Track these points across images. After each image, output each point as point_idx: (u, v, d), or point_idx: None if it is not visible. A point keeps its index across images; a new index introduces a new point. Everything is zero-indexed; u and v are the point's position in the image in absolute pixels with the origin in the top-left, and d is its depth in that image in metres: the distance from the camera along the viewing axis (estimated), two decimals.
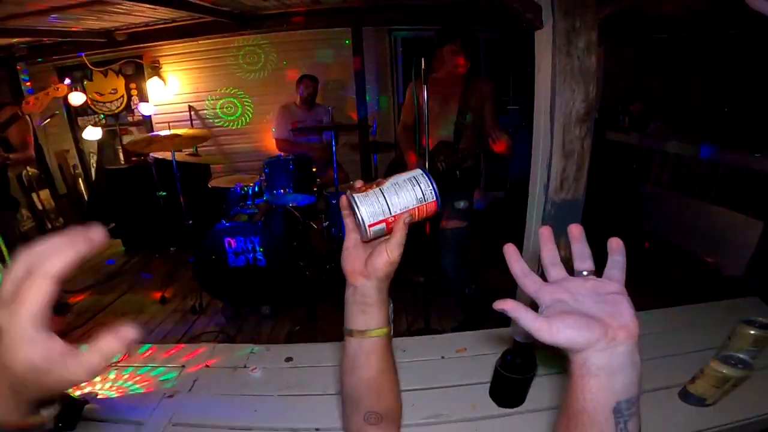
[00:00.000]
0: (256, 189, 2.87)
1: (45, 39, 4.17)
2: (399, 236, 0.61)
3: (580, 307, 0.50)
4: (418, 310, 2.65)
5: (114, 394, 1.08)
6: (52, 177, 4.90)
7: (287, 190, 2.81)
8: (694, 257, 3.50)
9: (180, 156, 3.21)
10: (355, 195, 0.59)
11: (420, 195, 0.60)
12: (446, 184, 2.37)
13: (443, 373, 1.10)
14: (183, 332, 2.77)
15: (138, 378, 1.14)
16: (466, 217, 2.43)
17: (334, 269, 2.93)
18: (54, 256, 0.35)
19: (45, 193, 4.39)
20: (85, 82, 4.76)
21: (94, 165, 4.98)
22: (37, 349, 0.34)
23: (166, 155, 2.99)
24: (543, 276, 0.56)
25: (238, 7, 3.95)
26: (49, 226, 4.33)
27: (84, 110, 4.86)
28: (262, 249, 2.64)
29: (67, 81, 2.58)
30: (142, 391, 1.09)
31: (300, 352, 1.21)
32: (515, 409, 0.98)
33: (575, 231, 0.56)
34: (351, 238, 0.65)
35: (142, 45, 4.51)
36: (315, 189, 2.95)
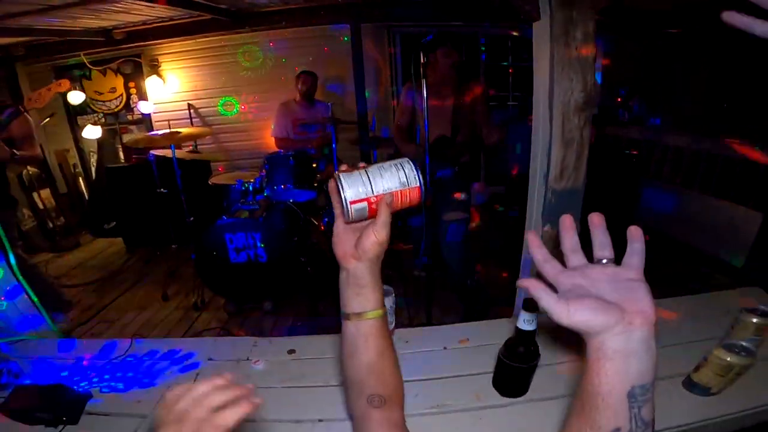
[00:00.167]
0: (257, 185, 2.86)
1: (43, 38, 4.17)
2: (384, 217, 0.63)
3: (599, 293, 0.51)
4: (420, 305, 2.65)
5: (117, 387, 1.08)
6: (53, 176, 4.90)
7: (287, 185, 2.81)
8: (695, 249, 3.51)
9: (180, 153, 3.22)
10: (341, 174, 0.62)
11: (403, 179, 0.63)
12: (445, 177, 2.47)
13: (446, 364, 1.10)
14: (185, 329, 2.77)
15: (141, 371, 1.14)
16: (466, 209, 2.51)
17: (336, 264, 2.91)
18: (230, 411, 0.50)
19: (46, 192, 4.39)
20: (83, 82, 4.75)
21: (95, 164, 4.98)
22: None
23: (167, 153, 2.99)
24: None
25: (236, 5, 3.93)
26: (50, 225, 4.33)
27: (83, 109, 4.86)
28: (263, 245, 2.64)
29: (66, 79, 2.58)
30: (145, 384, 1.09)
31: (302, 344, 1.21)
32: (519, 399, 0.98)
33: (596, 219, 0.56)
34: (339, 224, 0.68)
35: (140, 44, 4.49)
36: (315, 184, 2.96)
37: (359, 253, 0.65)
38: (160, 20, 4.16)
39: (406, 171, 0.63)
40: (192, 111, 4.83)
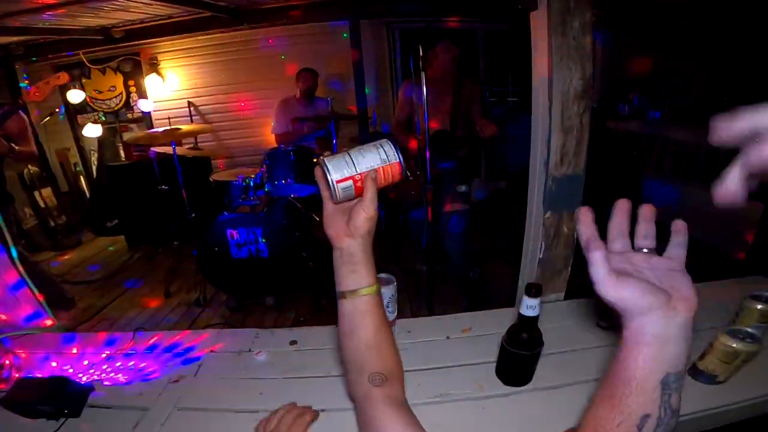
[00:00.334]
0: (258, 181, 2.86)
1: (42, 37, 4.17)
2: (370, 192, 0.66)
3: (643, 277, 0.51)
4: (422, 298, 2.65)
5: (119, 380, 1.08)
6: (54, 175, 4.91)
7: (288, 180, 2.81)
8: (697, 241, 3.49)
9: (181, 150, 3.21)
10: (325, 158, 0.66)
11: (384, 156, 0.67)
12: (446, 170, 2.49)
13: (449, 353, 1.10)
14: (188, 325, 2.78)
15: (143, 364, 1.14)
16: (467, 201, 2.53)
17: None
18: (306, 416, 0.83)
19: (47, 191, 4.40)
20: (83, 80, 4.75)
21: (95, 162, 4.98)
22: None
23: (167, 150, 3.00)
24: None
25: (235, 2, 3.93)
26: (52, 223, 4.34)
27: (83, 108, 4.86)
28: (264, 240, 2.63)
29: (64, 72, 2.60)
30: (147, 377, 1.09)
31: (304, 335, 1.21)
32: (522, 388, 0.97)
33: (647, 211, 0.57)
34: (329, 206, 0.71)
35: (139, 42, 4.50)
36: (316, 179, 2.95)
37: (351, 230, 0.68)
38: (159, 18, 4.16)
39: (386, 149, 0.67)
40: (192, 108, 4.83)
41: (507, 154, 5.07)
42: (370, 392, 0.69)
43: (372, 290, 0.71)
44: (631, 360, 0.50)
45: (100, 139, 4.81)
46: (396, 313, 1.16)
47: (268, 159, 2.87)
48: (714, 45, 4.24)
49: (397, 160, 0.68)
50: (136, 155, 4.30)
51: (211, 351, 1.17)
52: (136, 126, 4.94)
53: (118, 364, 1.15)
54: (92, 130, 4.56)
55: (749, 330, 0.90)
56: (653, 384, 0.49)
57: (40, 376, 1.09)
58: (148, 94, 4.77)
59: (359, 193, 0.67)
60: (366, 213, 0.67)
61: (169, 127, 2.94)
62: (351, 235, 0.69)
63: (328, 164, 0.65)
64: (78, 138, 4.99)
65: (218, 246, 2.67)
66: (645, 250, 0.55)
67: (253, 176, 2.88)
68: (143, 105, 4.70)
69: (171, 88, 4.80)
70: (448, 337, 1.17)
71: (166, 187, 3.22)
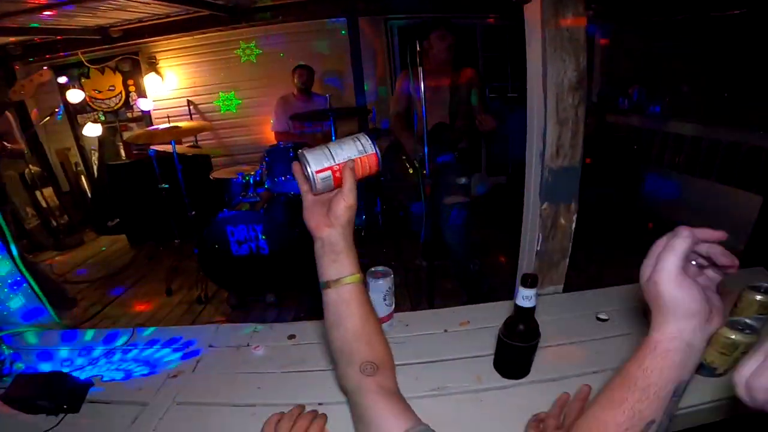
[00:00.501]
0: (258, 178, 2.86)
1: (40, 37, 4.17)
2: (349, 182, 0.68)
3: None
4: (422, 294, 2.65)
5: (118, 376, 1.09)
6: (55, 175, 4.93)
7: (288, 177, 2.81)
8: None
9: (181, 148, 3.22)
10: (303, 151, 0.69)
11: (360, 148, 0.70)
12: (445, 162, 2.47)
13: (447, 346, 1.10)
14: (189, 323, 2.78)
15: (142, 360, 1.14)
16: (467, 193, 2.51)
17: None
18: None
19: (48, 191, 4.40)
20: (82, 80, 4.75)
21: (96, 162, 4.99)
22: None
23: (167, 148, 3.00)
24: None
25: (233, 0, 3.92)
26: (54, 223, 4.35)
27: (83, 108, 4.86)
28: (264, 237, 2.64)
29: (46, 68, 2.66)
30: (146, 372, 1.09)
31: (302, 329, 1.21)
32: (521, 380, 0.97)
33: (717, 235, 0.55)
34: (308, 199, 0.73)
35: (137, 41, 4.50)
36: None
37: (331, 220, 0.70)
38: (157, 17, 4.16)
39: (363, 141, 0.70)
40: (191, 107, 4.83)
41: (507, 150, 5.06)
42: (362, 383, 0.69)
43: (355, 278, 0.72)
44: (656, 367, 0.50)
45: (100, 139, 4.81)
46: (393, 307, 1.16)
47: (268, 156, 2.87)
48: (714, 39, 4.22)
49: (374, 151, 0.70)
50: (135, 153, 4.31)
51: (210, 346, 1.17)
52: (136, 125, 4.94)
53: (118, 359, 1.15)
54: (92, 130, 4.56)
55: (748, 321, 0.89)
56: (668, 391, 0.49)
57: (39, 371, 1.10)
58: (148, 93, 4.77)
59: (338, 184, 0.69)
60: (346, 202, 0.69)
61: (168, 125, 2.94)
62: (331, 225, 0.70)
63: (307, 156, 0.68)
64: (78, 138, 4.99)
65: (219, 243, 2.68)
66: (693, 263, 0.56)
67: (252, 173, 2.88)
68: (143, 104, 4.71)
69: (170, 86, 4.80)
70: (446, 331, 1.16)
71: (167, 186, 3.23)
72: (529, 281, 0.84)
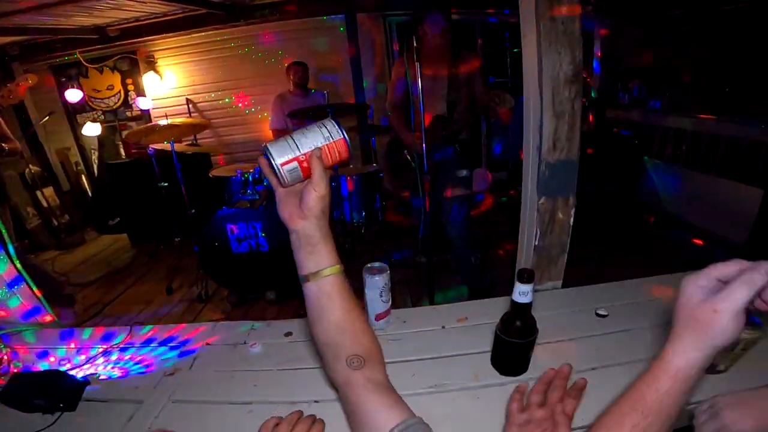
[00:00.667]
0: (257, 175, 2.85)
1: (37, 37, 4.16)
2: (318, 171, 0.65)
3: None
4: (422, 290, 2.64)
5: (115, 374, 1.08)
6: (55, 174, 4.93)
7: None
8: (697, 229, 3.49)
9: (180, 147, 3.21)
10: (267, 145, 0.66)
11: (326, 134, 0.66)
12: (446, 156, 2.43)
13: (444, 343, 1.09)
14: (190, 321, 2.78)
15: (139, 358, 1.14)
16: (468, 186, 2.48)
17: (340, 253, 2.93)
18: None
19: (49, 191, 4.41)
20: (81, 80, 4.74)
21: (96, 161, 4.99)
22: None
23: (166, 147, 2.99)
24: None
25: None
26: (55, 223, 4.36)
27: (82, 107, 4.86)
28: (264, 234, 2.63)
29: (32, 74, 2.69)
30: (143, 370, 1.09)
31: (299, 326, 1.20)
32: (518, 377, 0.96)
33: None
34: (279, 192, 0.71)
35: (135, 40, 4.49)
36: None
37: (304, 211, 0.68)
38: (154, 16, 4.15)
39: (329, 127, 0.67)
40: (190, 105, 4.82)
41: (507, 145, 5.05)
42: (351, 377, 0.68)
43: (335, 270, 0.70)
44: (674, 392, 0.49)
45: (100, 138, 4.81)
46: (390, 303, 1.15)
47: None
48: (715, 34, 4.19)
49: (341, 137, 0.67)
50: (134, 151, 4.31)
51: (207, 344, 1.17)
52: (135, 124, 4.93)
53: (114, 357, 1.15)
54: (91, 129, 4.56)
55: (749, 317, 0.88)
56: (677, 412, 0.50)
57: (36, 370, 1.10)
58: (146, 92, 4.76)
59: (307, 174, 0.67)
60: (317, 192, 0.66)
61: (167, 122, 2.93)
62: (304, 217, 0.68)
63: (270, 149, 0.65)
64: (78, 137, 4.99)
65: (218, 241, 2.67)
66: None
67: (251, 171, 2.87)
68: (142, 103, 4.69)
69: (169, 85, 4.79)
70: (443, 327, 1.16)
71: (166, 184, 3.23)
72: (526, 276, 0.83)
